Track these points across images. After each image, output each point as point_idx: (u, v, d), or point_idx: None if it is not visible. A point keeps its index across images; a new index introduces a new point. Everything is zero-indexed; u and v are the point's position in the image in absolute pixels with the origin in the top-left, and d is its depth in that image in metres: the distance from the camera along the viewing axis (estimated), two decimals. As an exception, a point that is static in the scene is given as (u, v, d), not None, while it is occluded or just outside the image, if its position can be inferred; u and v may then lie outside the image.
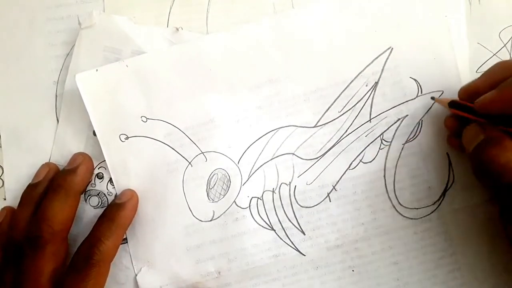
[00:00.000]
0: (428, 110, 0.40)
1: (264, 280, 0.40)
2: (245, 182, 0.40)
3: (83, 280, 0.35)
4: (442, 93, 0.40)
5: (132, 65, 0.39)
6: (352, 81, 0.40)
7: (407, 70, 0.40)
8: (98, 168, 0.40)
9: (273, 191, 0.40)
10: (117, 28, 0.40)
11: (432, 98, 0.39)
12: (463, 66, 0.40)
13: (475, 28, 0.41)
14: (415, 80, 0.40)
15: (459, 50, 0.40)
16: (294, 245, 0.40)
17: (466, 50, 0.41)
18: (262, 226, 0.40)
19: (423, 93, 0.40)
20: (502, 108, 0.32)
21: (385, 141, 0.40)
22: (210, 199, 0.39)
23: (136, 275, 0.39)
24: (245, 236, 0.40)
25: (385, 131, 0.40)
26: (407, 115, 0.40)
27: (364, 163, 0.40)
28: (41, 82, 0.40)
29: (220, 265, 0.39)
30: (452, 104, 0.36)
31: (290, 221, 0.40)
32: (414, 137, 0.40)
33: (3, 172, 0.40)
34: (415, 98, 0.40)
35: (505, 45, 0.41)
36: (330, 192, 0.40)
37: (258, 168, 0.40)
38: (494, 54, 0.41)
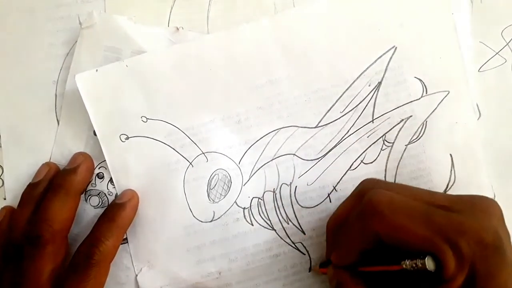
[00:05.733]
0: (433, 111, 0.39)
1: (265, 280, 0.40)
2: (246, 183, 0.40)
3: (83, 280, 0.35)
4: (448, 93, 0.39)
5: (132, 65, 0.39)
6: (354, 81, 0.39)
7: (412, 70, 0.40)
8: (99, 168, 0.40)
9: (273, 192, 0.40)
10: (118, 27, 0.39)
11: (309, 270, 0.40)
12: (469, 65, 0.40)
13: (477, 26, 0.41)
14: (420, 80, 0.40)
15: (464, 49, 0.40)
16: (295, 245, 0.40)
17: (471, 49, 0.40)
18: (263, 226, 0.40)
19: (428, 93, 0.39)
20: (347, 261, 0.33)
21: (388, 142, 0.40)
22: (211, 200, 0.39)
23: (136, 275, 0.39)
24: (245, 236, 0.39)
25: (387, 132, 0.40)
26: (411, 116, 0.39)
27: (365, 163, 0.40)
28: (41, 82, 0.40)
29: (220, 265, 0.39)
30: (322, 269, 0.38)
31: (290, 221, 0.40)
32: (418, 138, 0.40)
33: (3, 172, 0.40)
34: (420, 99, 0.40)
35: (507, 44, 0.41)
36: (330, 193, 0.40)
37: (259, 168, 0.40)
38: (497, 53, 0.41)
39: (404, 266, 0.28)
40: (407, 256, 0.28)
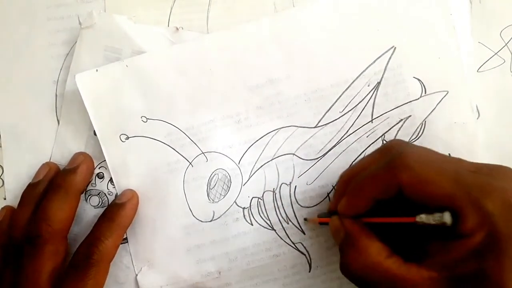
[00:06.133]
0: (432, 111, 0.39)
1: (265, 280, 0.40)
2: (245, 182, 0.40)
3: (82, 279, 0.35)
4: (447, 93, 0.39)
5: (132, 65, 0.39)
6: (354, 81, 0.40)
7: (411, 70, 0.40)
8: (99, 168, 0.40)
9: (273, 191, 0.40)
10: (118, 27, 0.39)
11: (305, 219, 0.39)
12: (468, 65, 0.40)
13: (476, 27, 0.41)
14: (418, 80, 0.40)
15: (463, 48, 0.40)
16: (295, 245, 0.40)
17: (471, 49, 0.40)
18: (263, 226, 0.40)
19: (427, 93, 0.40)
20: (357, 210, 0.32)
21: (387, 142, 0.40)
22: (211, 200, 0.39)
23: (136, 275, 0.39)
24: (245, 236, 0.40)
25: (386, 131, 0.40)
26: (410, 116, 0.40)
27: (365, 163, 0.40)
28: (41, 82, 0.40)
29: (220, 265, 0.39)
30: (321, 222, 0.37)
31: (290, 221, 0.40)
32: (417, 138, 0.40)
33: (3, 172, 0.40)
34: (419, 98, 0.40)
35: (506, 44, 0.41)
36: (330, 192, 0.40)
37: (259, 168, 0.40)
38: (496, 53, 0.41)
39: (418, 219, 0.29)
40: (416, 211, 0.29)
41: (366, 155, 0.35)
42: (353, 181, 0.33)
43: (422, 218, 0.28)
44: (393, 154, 0.30)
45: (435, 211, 0.28)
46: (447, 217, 0.28)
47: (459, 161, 0.31)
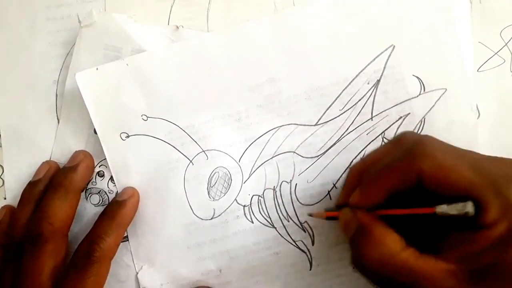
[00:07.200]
0: (431, 108, 0.40)
1: (265, 278, 0.40)
2: (246, 180, 0.40)
3: (83, 277, 0.35)
4: (446, 91, 0.39)
5: (132, 63, 0.39)
6: (353, 79, 0.40)
7: (410, 68, 0.40)
8: (99, 166, 0.40)
9: (274, 189, 0.40)
10: (117, 26, 0.39)
11: (309, 214, 0.38)
12: (468, 65, 0.40)
13: (476, 27, 0.41)
14: (418, 78, 0.40)
15: (463, 47, 0.40)
16: (295, 243, 0.40)
17: (470, 47, 0.40)
18: (263, 224, 0.40)
19: (426, 91, 0.40)
20: (373, 202, 0.31)
21: (387, 139, 0.40)
22: (211, 198, 0.39)
23: (137, 273, 0.39)
24: (246, 234, 0.40)
25: (386, 129, 0.40)
26: (409, 113, 0.40)
27: (365, 161, 0.40)
28: (41, 82, 0.40)
29: (221, 263, 0.39)
30: (329, 217, 0.35)
31: (291, 219, 0.40)
32: (416, 135, 0.40)
33: (3, 172, 0.40)
34: (418, 96, 0.40)
35: (506, 44, 0.41)
36: (330, 190, 0.40)
37: (259, 166, 0.40)
38: (496, 53, 0.41)
39: (438, 210, 0.28)
40: (434, 203, 0.28)
41: (376, 148, 0.34)
42: (366, 173, 0.32)
43: (443, 208, 0.27)
44: (411, 143, 0.29)
45: (455, 201, 0.27)
46: (469, 207, 0.26)
47: (475, 153, 0.30)
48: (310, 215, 0.38)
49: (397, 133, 0.40)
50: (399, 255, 0.28)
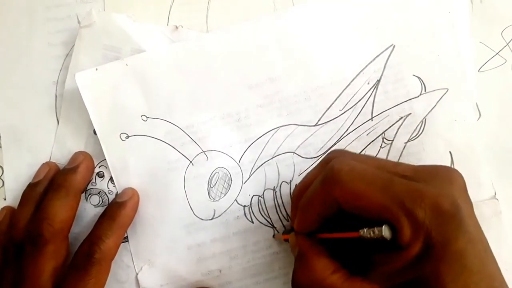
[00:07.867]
0: (432, 108, 0.39)
1: (266, 278, 0.40)
2: (246, 181, 0.40)
3: (83, 278, 0.35)
4: (447, 91, 0.39)
5: (132, 63, 0.39)
6: (353, 79, 0.40)
7: (410, 68, 0.40)
8: (99, 167, 0.40)
9: (274, 190, 0.40)
10: (117, 26, 0.39)
11: (273, 236, 0.39)
12: (468, 63, 0.40)
13: (477, 27, 0.41)
14: (418, 77, 0.40)
15: (463, 47, 0.40)
16: (295, 243, 0.40)
17: (470, 47, 0.40)
18: (263, 224, 0.40)
19: (427, 91, 0.40)
20: (308, 227, 0.32)
21: (387, 139, 0.40)
22: (211, 198, 0.39)
23: (137, 273, 0.39)
24: (246, 234, 0.40)
25: (386, 129, 0.40)
26: (410, 114, 0.40)
27: (365, 161, 0.40)
28: (41, 82, 0.40)
29: (221, 263, 0.39)
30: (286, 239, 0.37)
31: (291, 219, 0.40)
32: (417, 135, 0.40)
33: (3, 172, 0.40)
34: (418, 96, 0.40)
35: (507, 44, 0.41)
36: (331, 191, 0.40)
37: (259, 166, 0.40)
38: (497, 53, 0.41)
39: (361, 233, 0.28)
40: (366, 225, 0.28)
41: (309, 171, 0.35)
42: (301, 200, 0.33)
43: (364, 232, 0.28)
44: (327, 169, 0.30)
45: (375, 225, 0.28)
46: (385, 231, 0.27)
47: (396, 166, 0.31)
48: (274, 236, 0.39)
49: (397, 134, 0.40)
50: (326, 280, 0.29)
